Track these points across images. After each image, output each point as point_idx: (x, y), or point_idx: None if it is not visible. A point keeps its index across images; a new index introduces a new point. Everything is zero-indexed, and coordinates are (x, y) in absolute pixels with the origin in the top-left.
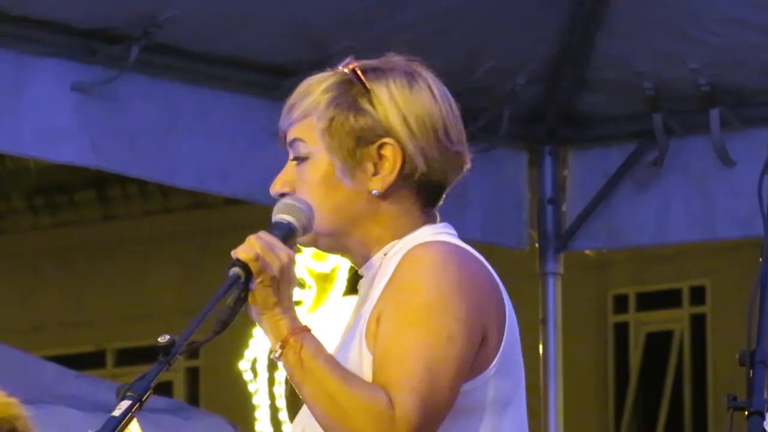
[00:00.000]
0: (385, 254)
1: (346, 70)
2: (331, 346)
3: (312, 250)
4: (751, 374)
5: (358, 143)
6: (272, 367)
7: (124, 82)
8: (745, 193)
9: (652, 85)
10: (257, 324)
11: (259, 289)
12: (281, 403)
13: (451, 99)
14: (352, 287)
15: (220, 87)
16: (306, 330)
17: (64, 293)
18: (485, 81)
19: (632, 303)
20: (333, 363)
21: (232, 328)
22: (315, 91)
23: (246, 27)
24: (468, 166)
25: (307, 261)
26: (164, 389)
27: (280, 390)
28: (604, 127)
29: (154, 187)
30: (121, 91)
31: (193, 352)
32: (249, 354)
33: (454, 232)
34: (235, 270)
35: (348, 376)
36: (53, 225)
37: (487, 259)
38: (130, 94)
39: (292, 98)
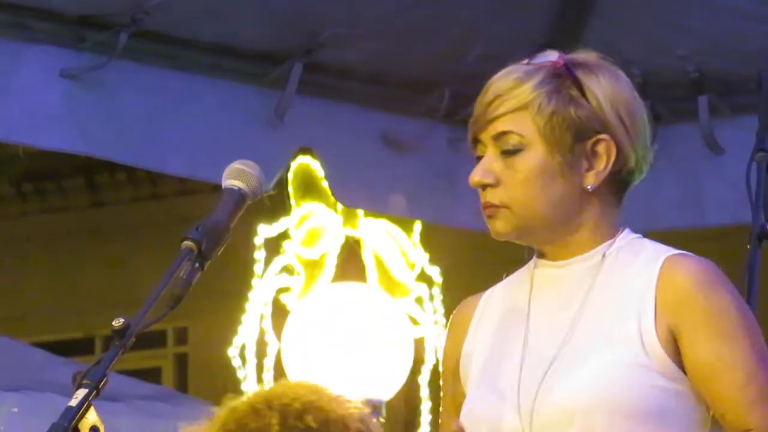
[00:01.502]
0: (604, 253)
1: (555, 64)
2: (317, 331)
3: (300, 235)
4: None
5: (577, 138)
6: (261, 353)
7: (113, 68)
8: (733, 180)
9: (640, 72)
10: None
11: None
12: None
13: None
14: (341, 274)
15: (209, 74)
16: None
17: (52, 279)
18: (475, 67)
19: None
20: None
21: (220, 315)
22: (525, 84)
23: (235, 14)
24: None
25: (296, 247)
26: (153, 376)
27: (268, 377)
28: None
29: (142, 174)
30: (110, 78)
31: (181, 340)
32: (237, 340)
33: None
34: (187, 243)
35: None
36: (42, 211)
37: (481, 246)
38: (118, 80)
39: (497, 89)
